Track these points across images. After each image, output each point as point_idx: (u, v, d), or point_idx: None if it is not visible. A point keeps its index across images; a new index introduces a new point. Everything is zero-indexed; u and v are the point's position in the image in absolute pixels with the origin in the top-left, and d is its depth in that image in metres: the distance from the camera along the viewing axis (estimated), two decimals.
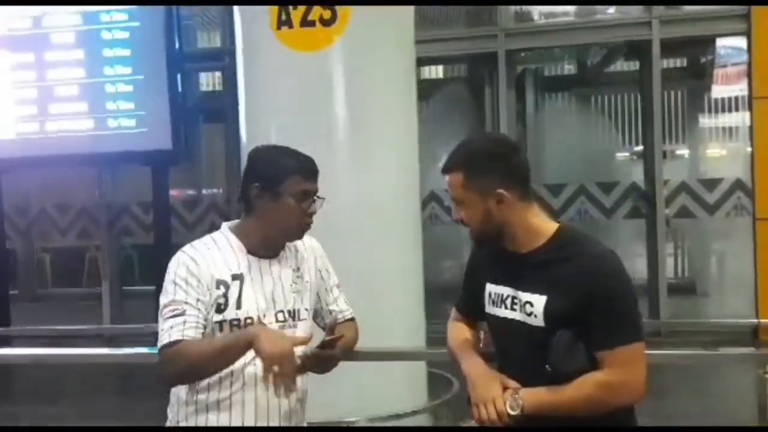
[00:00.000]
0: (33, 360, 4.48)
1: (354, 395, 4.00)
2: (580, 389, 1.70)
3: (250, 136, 4.55)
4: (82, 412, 5.37)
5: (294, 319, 1.99)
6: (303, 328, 2.02)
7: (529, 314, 1.77)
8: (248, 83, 4.55)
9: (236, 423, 1.90)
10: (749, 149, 6.88)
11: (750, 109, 6.82)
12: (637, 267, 7.26)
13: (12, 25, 6.92)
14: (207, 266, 1.91)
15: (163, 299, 1.91)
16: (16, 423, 5.10)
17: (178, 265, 1.92)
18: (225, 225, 2.04)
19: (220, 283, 1.90)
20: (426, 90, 7.81)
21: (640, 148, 7.77)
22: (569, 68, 8.64)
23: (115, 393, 6.15)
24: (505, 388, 1.75)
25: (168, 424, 2.00)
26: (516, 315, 1.82)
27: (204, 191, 9.02)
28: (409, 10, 4.63)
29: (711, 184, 7.00)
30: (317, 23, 4.19)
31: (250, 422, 1.92)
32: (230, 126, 8.00)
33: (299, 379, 1.96)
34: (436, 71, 8.74)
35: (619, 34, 7.10)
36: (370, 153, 4.33)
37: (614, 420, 1.76)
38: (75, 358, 4.64)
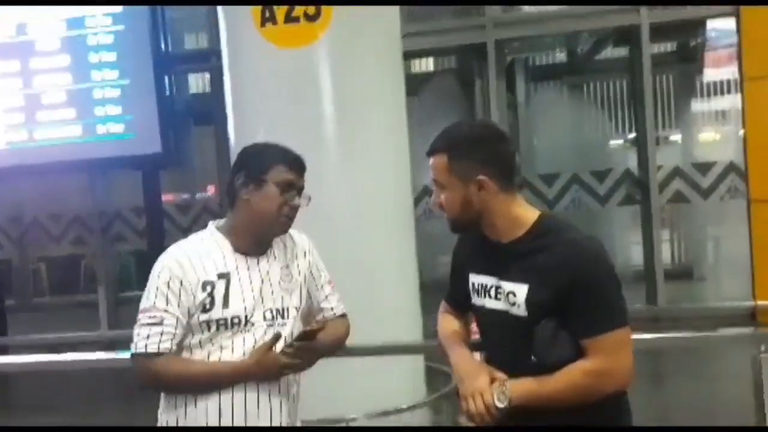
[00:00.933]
0: (32, 368, 4.48)
1: (353, 392, 3.98)
2: (567, 378, 1.68)
3: (238, 136, 4.51)
4: (85, 420, 5.33)
5: (283, 318, 1.96)
6: (291, 327, 1.99)
7: (513, 304, 1.75)
8: (235, 83, 4.52)
9: (227, 406, 1.89)
10: (741, 132, 6.86)
11: (741, 90, 6.79)
12: (633, 254, 7.25)
13: None
14: (192, 268, 1.89)
15: (143, 302, 1.91)
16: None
17: (161, 268, 1.92)
18: (211, 224, 2.02)
19: (206, 284, 1.89)
20: (415, 84, 7.78)
21: (632, 134, 7.75)
22: (559, 57, 8.62)
23: (117, 399, 6.11)
24: (493, 380, 1.73)
25: (160, 408, 1.99)
26: (500, 305, 1.80)
27: (198, 195, 9.00)
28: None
29: (704, 167, 6.98)
30: (301, 19, 4.16)
31: (240, 407, 1.90)
32: (220, 128, 7.98)
33: (290, 378, 1.95)
34: (426, 64, 8.71)
35: (608, 20, 7.07)
36: (359, 148, 4.31)
37: (606, 408, 1.73)
38: (75, 364, 4.64)
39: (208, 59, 8.00)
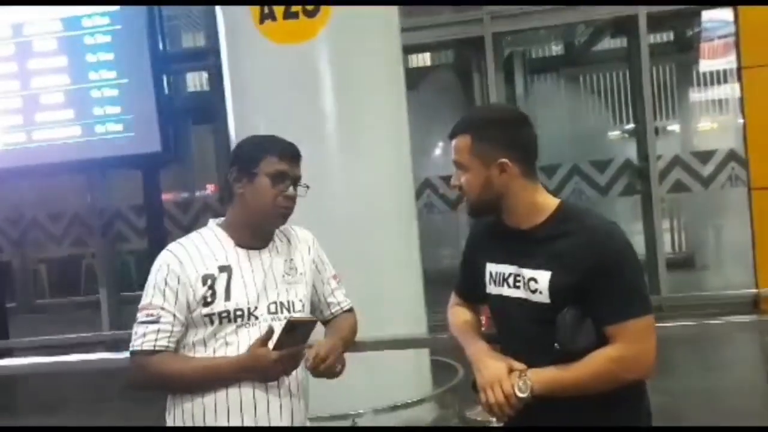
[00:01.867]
0: (34, 369, 4.46)
1: (359, 387, 3.96)
2: (592, 366, 1.67)
3: (239, 133, 4.50)
4: (89, 420, 5.33)
5: (288, 311, 1.94)
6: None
7: (534, 291, 1.73)
8: (234, 80, 4.50)
9: (234, 398, 1.86)
10: (740, 120, 6.85)
11: (739, 79, 6.78)
12: (634, 243, 7.24)
13: None
14: (191, 263, 1.88)
15: (142, 300, 1.90)
16: None
17: (160, 265, 1.90)
18: (212, 221, 2.01)
19: (206, 278, 1.87)
20: (413, 78, 7.76)
21: (632, 125, 7.74)
22: (557, 49, 8.60)
23: (121, 399, 6.11)
24: (510, 370, 1.72)
25: (167, 406, 1.97)
26: (519, 293, 1.78)
27: (197, 193, 8.99)
28: None
29: (704, 156, 6.98)
30: (300, 15, 4.15)
31: (236, 404, 1.86)
32: (219, 126, 7.97)
33: (296, 375, 1.92)
34: (423, 58, 8.70)
35: (605, 11, 7.06)
36: (360, 143, 4.30)
37: (626, 397, 1.73)
38: (78, 365, 4.63)
39: (206, 57, 8.01)
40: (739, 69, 6.77)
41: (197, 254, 1.90)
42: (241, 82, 4.44)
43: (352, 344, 2.15)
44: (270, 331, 1.81)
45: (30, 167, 6.81)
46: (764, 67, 6.57)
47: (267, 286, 1.92)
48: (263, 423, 1.87)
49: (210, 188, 9.05)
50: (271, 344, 1.79)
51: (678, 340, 4.78)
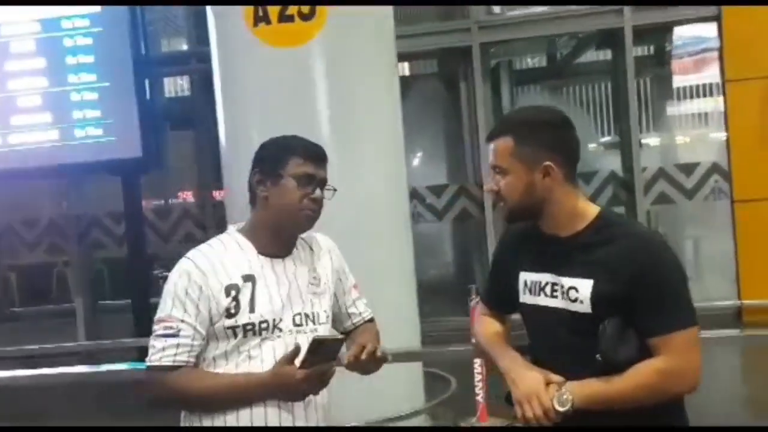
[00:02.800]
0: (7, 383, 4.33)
1: (351, 399, 3.86)
2: (637, 378, 1.61)
3: (230, 138, 4.40)
4: None
5: (314, 323, 1.84)
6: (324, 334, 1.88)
7: (574, 300, 1.67)
8: (226, 84, 4.40)
9: (259, 417, 1.76)
10: (724, 134, 6.92)
11: (723, 92, 6.86)
12: None
13: None
14: (214, 273, 1.77)
15: (159, 311, 1.79)
16: None
17: (180, 274, 1.79)
18: (231, 227, 1.91)
19: (230, 288, 1.77)
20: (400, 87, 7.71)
21: (616, 137, 7.78)
22: (543, 60, 8.62)
23: (98, 412, 5.93)
24: (548, 383, 1.65)
25: (183, 423, 1.87)
26: (557, 302, 1.71)
27: (172, 200, 8.83)
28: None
29: (688, 168, 7.02)
30: (296, 18, 4.07)
31: (273, 416, 1.77)
32: (201, 132, 7.86)
33: (321, 396, 1.83)
34: (410, 67, 8.66)
35: (591, 23, 7.10)
36: (354, 149, 4.22)
37: (667, 411, 1.67)
38: (54, 378, 4.47)
39: (189, 62, 7.90)
40: (722, 83, 6.86)
41: (219, 263, 1.79)
42: (233, 86, 4.35)
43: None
44: (297, 349, 1.71)
45: (6, 171, 6.60)
46: (747, 81, 6.66)
47: (292, 296, 1.83)
48: None
49: (189, 195, 8.89)
50: (297, 362, 1.70)
51: None
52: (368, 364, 1.84)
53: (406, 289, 4.48)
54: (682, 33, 7.70)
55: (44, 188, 7.98)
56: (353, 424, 3.96)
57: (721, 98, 6.99)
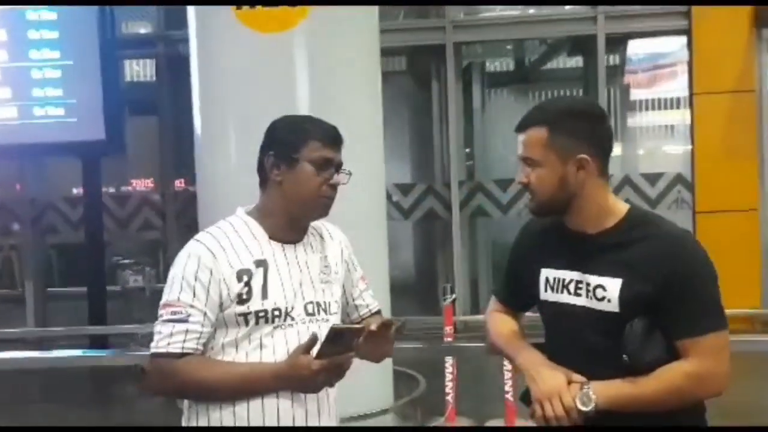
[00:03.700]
0: None
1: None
2: (665, 381, 1.56)
3: (205, 122, 4.28)
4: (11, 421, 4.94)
5: (326, 313, 1.76)
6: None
7: (601, 299, 1.61)
8: (203, 68, 4.29)
9: (271, 409, 1.66)
10: (689, 146, 7.04)
11: (690, 105, 6.97)
12: None
13: None
14: (225, 257, 1.67)
15: (166, 295, 1.68)
16: None
17: (189, 256, 1.68)
18: (241, 209, 1.81)
19: (242, 273, 1.67)
20: None
21: None
22: (515, 64, 8.65)
23: (47, 401, 5.71)
24: (569, 382, 1.59)
25: (183, 416, 1.75)
26: (582, 301, 1.64)
27: (130, 187, 8.60)
28: None
29: (653, 178, 7.11)
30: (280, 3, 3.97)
31: (286, 407, 1.67)
32: (164, 118, 7.66)
33: (334, 390, 1.74)
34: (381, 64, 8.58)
35: (566, 29, 7.14)
36: None
37: (687, 417, 1.63)
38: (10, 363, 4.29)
39: (155, 45, 7.68)
40: (690, 95, 6.98)
41: (230, 247, 1.69)
42: (211, 70, 4.24)
43: None
44: (313, 339, 1.61)
45: None
46: (714, 95, 6.78)
47: (303, 284, 1.74)
48: None
49: (148, 182, 8.66)
50: (313, 352, 1.59)
51: None
52: (383, 342, 1.72)
53: (380, 285, 4.40)
54: (651, 45, 7.81)
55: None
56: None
57: (686, 110, 7.11)
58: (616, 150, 8.29)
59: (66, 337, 6.76)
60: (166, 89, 7.58)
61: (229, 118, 4.12)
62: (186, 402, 1.74)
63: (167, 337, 1.64)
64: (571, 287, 1.67)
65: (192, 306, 1.64)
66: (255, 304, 1.66)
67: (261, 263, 1.70)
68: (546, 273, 1.73)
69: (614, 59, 7.87)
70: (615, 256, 1.61)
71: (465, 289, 7.33)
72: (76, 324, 6.87)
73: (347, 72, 4.21)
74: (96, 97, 6.24)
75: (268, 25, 3.99)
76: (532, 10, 7.28)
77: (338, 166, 1.76)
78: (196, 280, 1.65)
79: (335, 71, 4.15)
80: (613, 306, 1.60)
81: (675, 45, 7.38)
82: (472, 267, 7.68)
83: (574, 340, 1.67)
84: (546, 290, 1.73)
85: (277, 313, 1.68)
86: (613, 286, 1.60)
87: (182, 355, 1.64)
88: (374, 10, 4.45)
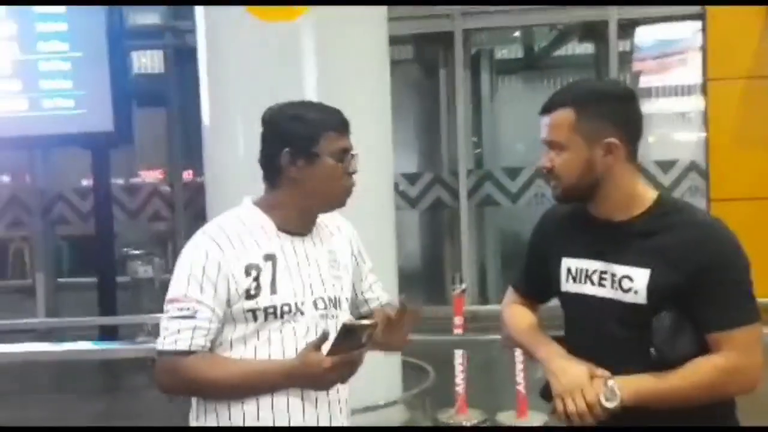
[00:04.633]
0: None
1: None
2: (696, 375, 1.50)
3: (213, 113, 4.25)
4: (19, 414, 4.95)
5: (336, 308, 1.71)
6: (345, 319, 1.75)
7: (627, 290, 1.54)
8: (212, 59, 4.25)
9: (281, 406, 1.63)
10: (703, 132, 6.94)
11: (704, 90, 6.87)
12: None
13: None
14: (233, 250, 1.63)
15: (173, 290, 1.64)
16: None
17: (195, 249, 1.64)
18: (248, 199, 1.76)
19: (250, 268, 1.63)
20: None
21: None
22: (524, 50, 8.55)
23: (55, 392, 5.74)
24: (592, 377, 1.53)
25: (191, 414, 1.72)
26: (606, 292, 1.58)
27: (139, 179, 8.60)
28: None
29: (666, 165, 7.02)
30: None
31: (296, 406, 1.65)
32: (172, 109, 7.64)
33: (345, 388, 1.71)
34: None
35: (577, 15, 7.04)
36: None
37: (718, 412, 1.58)
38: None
39: (162, 36, 7.65)
40: (704, 81, 6.87)
41: (238, 240, 1.65)
42: (219, 61, 4.20)
43: None
44: (324, 335, 1.56)
45: None
46: (729, 80, 6.68)
47: (313, 278, 1.69)
48: None
49: (157, 173, 8.66)
50: (324, 349, 1.55)
51: None
52: (400, 329, 1.70)
53: (389, 275, 4.38)
54: (664, 31, 7.70)
55: (8, 160, 7.70)
56: None
57: (699, 97, 7.01)
58: None
59: (76, 328, 6.79)
60: (175, 80, 7.56)
61: (236, 109, 4.08)
62: (194, 399, 1.71)
63: (174, 334, 1.61)
64: (595, 278, 1.61)
65: (199, 302, 1.60)
66: (264, 300, 1.63)
67: (269, 257, 1.66)
68: (568, 262, 1.67)
69: (626, 45, 7.76)
70: (643, 244, 1.55)
71: (473, 279, 7.28)
72: (86, 314, 6.90)
73: (355, 61, 4.17)
74: (104, 88, 6.20)
75: (275, 14, 3.94)
76: None
77: (351, 153, 1.71)
78: (203, 274, 1.61)
79: (343, 60, 4.11)
80: (641, 297, 1.53)
81: (688, 30, 7.27)
82: (481, 257, 7.64)
83: (597, 333, 1.61)
84: (567, 281, 1.67)
85: (286, 308, 1.64)
86: (640, 276, 1.53)
87: (190, 352, 1.60)
88: None
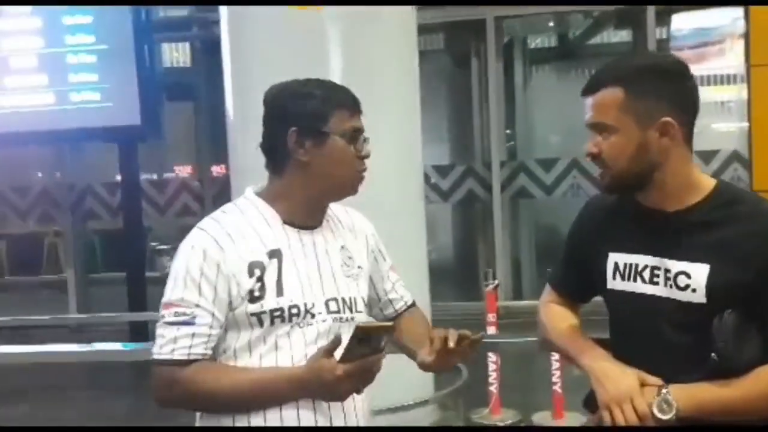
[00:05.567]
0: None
1: None
2: (762, 383, 1.35)
3: (238, 106, 4.14)
4: (51, 413, 4.93)
5: (351, 310, 1.55)
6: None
7: (683, 288, 1.40)
8: (235, 48, 4.14)
9: (290, 420, 1.48)
10: (746, 122, 6.68)
11: (747, 77, 6.60)
12: None
13: None
14: (234, 247, 1.48)
15: (168, 293, 1.49)
16: None
17: (192, 249, 1.48)
18: (249, 190, 1.60)
19: (253, 266, 1.47)
20: None
21: None
22: (558, 39, 8.35)
23: (86, 389, 5.71)
24: (643, 385, 1.38)
25: (200, 423, 1.59)
26: (660, 290, 1.43)
27: (169, 173, 8.58)
28: None
29: (707, 155, 6.79)
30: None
31: (308, 419, 1.50)
32: (200, 103, 7.60)
33: (364, 396, 1.54)
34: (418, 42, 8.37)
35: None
36: (369, 124, 3.96)
37: None
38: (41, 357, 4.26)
39: (189, 28, 7.60)
40: (747, 67, 6.60)
41: (239, 236, 1.49)
42: (243, 50, 4.08)
43: None
44: (336, 340, 1.40)
45: None
46: None
47: (324, 276, 1.53)
48: None
49: (186, 168, 8.64)
50: (337, 355, 1.40)
51: None
52: (455, 355, 1.53)
53: (418, 270, 4.25)
54: (704, 18, 7.44)
55: (37, 154, 7.72)
56: None
57: (740, 85, 6.75)
58: None
59: (106, 323, 6.78)
60: (203, 73, 7.51)
61: (260, 100, 3.96)
62: (197, 414, 1.57)
63: (171, 342, 1.46)
64: (646, 274, 1.46)
65: (198, 306, 1.46)
66: (269, 303, 1.47)
67: (274, 254, 1.50)
68: (615, 258, 1.51)
69: (663, 33, 7.51)
70: (701, 238, 1.40)
71: (507, 273, 7.13)
72: (116, 310, 6.89)
73: (382, 51, 4.04)
74: (131, 81, 6.15)
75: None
76: None
77: (363, 134, 1.57)
78: (201, 275, 1.46)
79: (370, 50, 3.98)
80: (699, 296, 1.38)
81: (729, 17, 7.01)
82: (515, 250, 7.47)
83: (648, 336, 1.45)
84: (615, 278, 1.51)
85: (295, 311, 1.48)
86: (699, 272, 1.38)
87: (189, 362, 1.46)
88: None
